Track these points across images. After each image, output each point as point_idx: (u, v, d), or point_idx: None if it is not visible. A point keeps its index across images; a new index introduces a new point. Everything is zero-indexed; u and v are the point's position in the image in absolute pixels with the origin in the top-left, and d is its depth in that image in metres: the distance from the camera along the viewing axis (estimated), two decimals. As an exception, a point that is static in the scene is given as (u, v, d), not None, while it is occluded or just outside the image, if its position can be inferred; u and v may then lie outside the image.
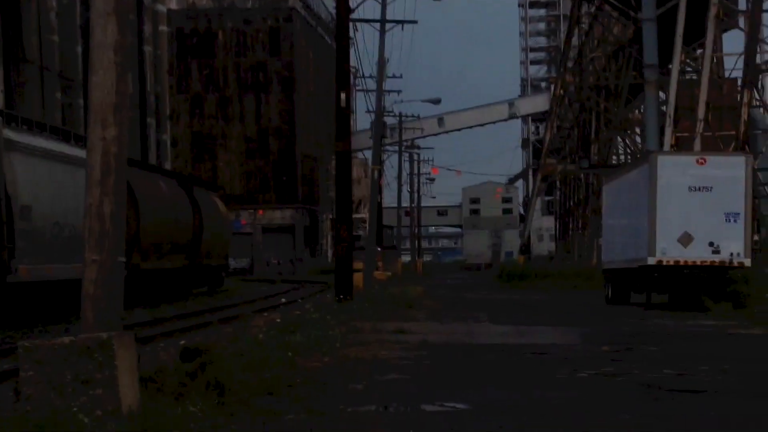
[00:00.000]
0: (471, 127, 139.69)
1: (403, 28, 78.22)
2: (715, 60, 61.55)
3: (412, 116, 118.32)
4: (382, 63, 79.99)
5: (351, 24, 55.60)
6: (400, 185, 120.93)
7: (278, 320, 32.71)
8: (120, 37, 16.74)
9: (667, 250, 43.42)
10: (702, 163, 44.90)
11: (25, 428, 12.87)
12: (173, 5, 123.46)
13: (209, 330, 34.61)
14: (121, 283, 16.63)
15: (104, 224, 16.28)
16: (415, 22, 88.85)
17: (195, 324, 39.19)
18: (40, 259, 33.91)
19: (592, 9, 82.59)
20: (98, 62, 16.57)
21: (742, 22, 61.65)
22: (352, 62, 67.95)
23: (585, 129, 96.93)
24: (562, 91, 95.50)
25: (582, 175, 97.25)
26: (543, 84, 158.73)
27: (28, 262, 37.00)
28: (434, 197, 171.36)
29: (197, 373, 17.54)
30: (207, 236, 66.61)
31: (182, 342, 24.50)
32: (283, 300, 51.50)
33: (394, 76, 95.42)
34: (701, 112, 58.26)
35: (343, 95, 44.62)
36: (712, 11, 56.95)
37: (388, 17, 75.84)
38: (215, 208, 72.92)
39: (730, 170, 44.45)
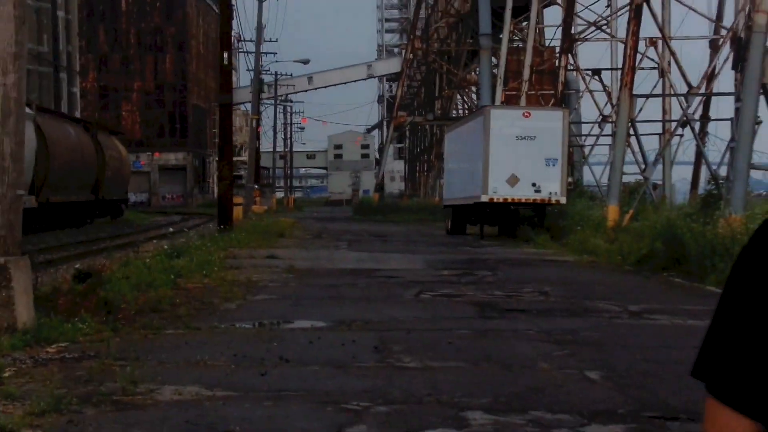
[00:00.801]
0: (335, 84, 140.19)
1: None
2: (537, 31, 61.67)
3: (286, 75, 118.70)
4: (260, 28, 79.31)
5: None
6: (275, 132, 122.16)
7: (165, 246, 32.07)
8: (15, 75, 15.97)
9: (498, 189, 43.39)
10: (527, 116, 44.97)
11: None
12: None
13: (105, 254, 33.74)
14: (19, 214, 16.16)
15: (4, 161, 15.72)
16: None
17: (94, 249, 38.26)
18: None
19: None
20: None
21: (560, -1, 61.88)
22: (235, 28, 68.04)
23: (430, 87, 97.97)
24: (411, 56, 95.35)
25: (427, 126, 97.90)
26: (396, 49, 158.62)
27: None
28: (304, 143, 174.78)
29: (88, 293, 16.88)
30: (108, 174, 65.57)
31: (77, 265, 23.81)
32: (172, 229, 51.11)
33: (270, 40, 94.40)
34: (526, 74, 58.63)
35: (225, 54, 44.64)
36: None
37: (265, -10, 74.92)
38: (117, 150, 71.93)
39: (550, 122, 44.58)
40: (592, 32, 59.63)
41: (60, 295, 16.95)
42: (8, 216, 15.69)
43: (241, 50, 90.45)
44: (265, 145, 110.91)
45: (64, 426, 9.57)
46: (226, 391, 11.31)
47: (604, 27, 59.68)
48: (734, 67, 41.27)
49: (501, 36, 62.76)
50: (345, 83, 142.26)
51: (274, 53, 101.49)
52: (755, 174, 30.59)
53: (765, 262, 2.21)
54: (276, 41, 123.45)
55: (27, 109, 47.59)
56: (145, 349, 14.02)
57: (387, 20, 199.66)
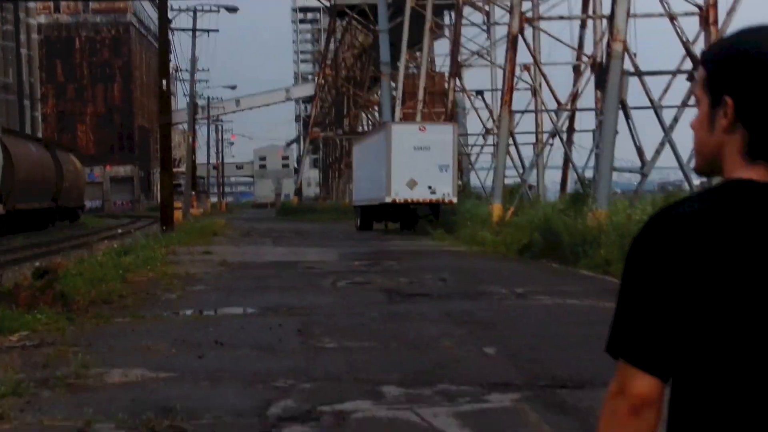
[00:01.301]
0: (259, 106, 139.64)
1: (209, 35, 77.01)
2: (429, 59, 61.76)
3: (217, 98, 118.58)
4: (193, 60, 78.49)
5: (170, 32, 54.06)
6: (209, 147, 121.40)
7: (115, 245, 31.47)
8: None
9: (399, 192, 43.31)
10: (423, 130, 45.01)
11: None
12: (42, 20, 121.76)
13: (63, 253, 32.96)
14: None
15: None
16: (216, 30, 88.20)
17: (53, 249, 37.55)
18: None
19: (344, 23, 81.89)
20: None
21: (447, 32, 62.33)
22: (173, 60, 67.46)
23: (340, 107, 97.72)
24: (323, 81, 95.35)
25: (338, 140, 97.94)
26: (310, 76, 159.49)
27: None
28: (234, 156, 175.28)
29: (46, 287, 16.30)
30: (66, 184, 65.28)
31: (36, 263, 23.16)
32: (120, 231, 50.78)
33: (203, 70, 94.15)
34: (420, 95, 58.97)
35: (164, 82, 44.74)
36: (427, 25, 57.32)
37: (198, 27, 73.84)
38: (73, 164, 71.75)
39: (442, 135, 44.62)
40: (475, 59, 59.75)
41: (21, 290, 16.47)
42: None
43: (178, 79, 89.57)
44: (200, 158, 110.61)
45: (22, 406, 9.06)
46: (168, 372, 10.87)
47: (485, 55, 59.96)
48: (597, 87, 41.56)
49: (398, 63, 62.88)
50: (267, 105, 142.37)
51: (207, 80, 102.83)
52: (614, 176, 30.93)
53: (653, 251, 2.29)
54: (208, 70, 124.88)
55: None
56: (96, 336, 13.56)
57: (302, 52, 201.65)
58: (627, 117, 32.77)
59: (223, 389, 9.98)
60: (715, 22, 33.19)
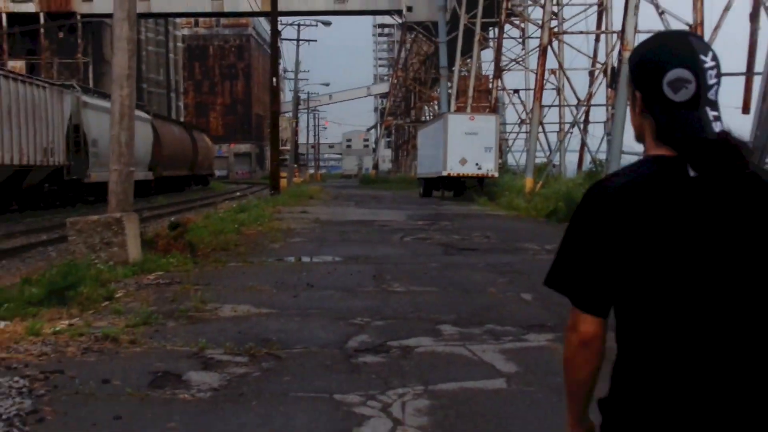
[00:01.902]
0: (346, 100, 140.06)
1: (309, 44, 77.07)
2: (477, 64, 60.68)
3: (314, 93, 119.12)
4: (297, 63, 78.01)
5: (279, 41, 54.31)
6: (307, 131, 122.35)
7: (234, 205, 31.17)
8: (129, 33, 15.30)
9: (453, 167, 42.41)
10: (472, 119, 43.94)
11: (69, 269, 11.33)
12: (185, 32, 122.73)
13: (194, 210, 32.74)
14: (131, 183, 15.67)
15: (121, 147, 15.27)
16: (315, 40, 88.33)
17: (188, 207, 37.50)
18: (102, 170, 31.55)
19: (412, 36, 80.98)
20: (117, 49, 15.68)
21: (491, 43, 61.38)
22: (281, 63, 67.95)
23: (408, 101, 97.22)
24: (396, 81, 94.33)
25: (406, 126, 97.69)
26: (386, 77, 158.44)
27: (95, 171, 35.37)
28: (326, 138, 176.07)
29: (178, 237, 15.92)
30: (200, 157, 65.54)
31: (172, 218, 22.83)
32: (238, 194, 50.98)
33: (304, 71, 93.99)
34: (470, 92, 57.75)
35: (274, 80, 44.92)
36: (476, 38, 56.23)
37: (301, 37, 73.59)
38: (205, 142, 72.03)
39: (487, 123, 43.57)
40: (513, 65, 58.58)
41: (159, 239, 16.14)
42: (123, 185, 15.23)
43: (285, 77, 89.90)
44: (301, 138, 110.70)
45: (151, 334, 8.65)
46: (268, 309, 10.37)
47: (521, 62, 58.83)
48: (609, 86, 40.98)
49: (453, 68, 62.07)
50: (353, 99, 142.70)
51: (307, 79, 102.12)
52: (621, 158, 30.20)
53: (591, 215, 2.29)
54: (308, 71, 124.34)
55: (146, 115, 48.36)
56: (214, 277, 13.13)
57: (380, 58, 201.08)
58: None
59: (312, 324, 9.42)
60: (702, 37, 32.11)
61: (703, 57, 2.23)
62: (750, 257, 2.18)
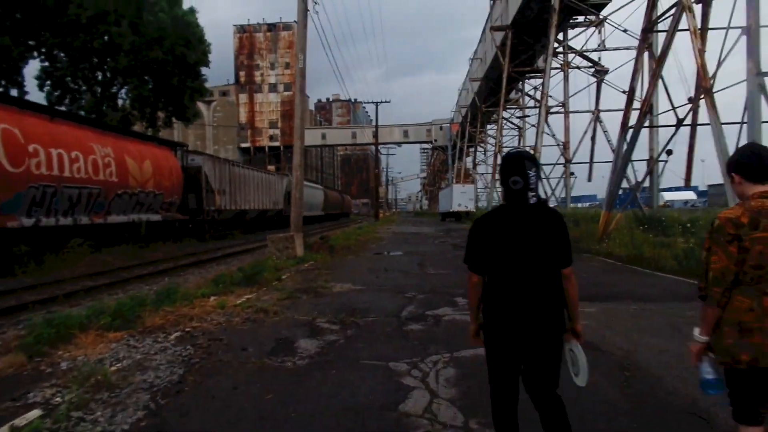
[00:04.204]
0: (408, 179, 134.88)
1: (390, 156, 72.37)
2: (464, 165, 56.27)
3: (395, 176, 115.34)
4: (387, 165, 75.22)
5: (380, 155, 51.84)
6: (393, 192, 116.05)
7: (356, 227, 28.69)
8: (299, 159, 12.78)
9: (454, 207, 39.11)
10: (463, 186, 40.64)
11: (257, 263, 8.91)
12: (341, 152, 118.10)
13: (327, 230, 30.59)
14: (301, 218, 12.80)
15: (296, 200, 12.55)
16: (394, 154, 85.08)
17: (328, 229, 35.13)
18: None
19: (437, 151, 76.30)
20: (295, 154, 12.87)
21: (470, 155, 56.70)
22: (382, 164, 64.45)
23: (434, 178, 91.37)
24: (429, 171, 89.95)
25: (434, 190, 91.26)
26: (423, 168, 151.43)
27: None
28: (400, 194, 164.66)
29: (324, 243, 13.55)
30: (345, 204, 62.57)
31: (321, 234, 20.58)
32: (360, 221, 48.24)
33: (390, 168, 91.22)
34: (461, 175, 53.40)
35: (377, 172, 41.44)
36: (464, 154, 51.99)
37: (390, 152, 71.10)
38: (349, 198, 69.45)
39: (469, 187, 40.39)
40: (483, 160, 54.41)
41: (314, 244, 13.76)
42: (298, 220, 12.57)
43: (384, 169, 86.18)
44: (390, 195, 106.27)
45: (289, 306, 6.20)
46: (361, 286, 7.76)
47: (484, 162, 54.54)
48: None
49: (455, 165, 57.72)
50: (411, 179, 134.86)
51: (392, 168, 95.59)
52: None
53: (474, 227, 2.22)
54: (392, 168, 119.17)
55: (320, 186, 46.76)
56: (338, 265, 10.63)
57: (422, 162, 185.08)
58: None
59: (383, 296, 6.85)
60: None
61: (528, 171, 2.16)
62: (535, 239, 2.12)
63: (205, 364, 4.01)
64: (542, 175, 30.92)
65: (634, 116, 13.72)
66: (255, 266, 8.61)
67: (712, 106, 10.51)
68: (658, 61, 12.86)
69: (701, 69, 10.93)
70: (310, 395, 3.41)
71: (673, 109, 13.83)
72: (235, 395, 3.39)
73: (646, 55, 14.04)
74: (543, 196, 2.27)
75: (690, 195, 52.72)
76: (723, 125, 10.33)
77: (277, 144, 64.90)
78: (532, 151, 28.73)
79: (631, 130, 13.55)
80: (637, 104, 13.83)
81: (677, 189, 48.77)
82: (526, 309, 2.06)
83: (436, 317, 5.66)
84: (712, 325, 1.93)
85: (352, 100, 61.44)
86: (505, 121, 43.22)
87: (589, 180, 28.70)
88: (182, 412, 3.16)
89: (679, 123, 13.66)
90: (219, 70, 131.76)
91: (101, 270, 10.15)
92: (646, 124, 14.07)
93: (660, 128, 17.76)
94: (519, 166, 2.13)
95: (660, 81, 13.31)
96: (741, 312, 1.86)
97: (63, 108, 22.75)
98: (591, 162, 27.32)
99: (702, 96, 11.11)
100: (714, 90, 10.74)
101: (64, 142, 11.34)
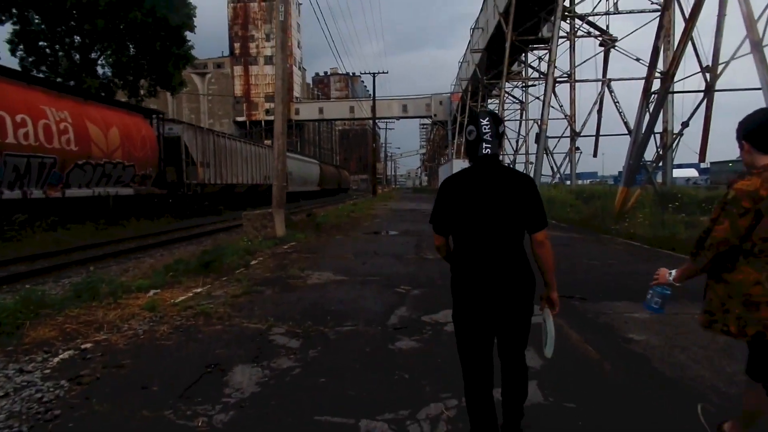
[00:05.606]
0: (407, 155, 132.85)
1: (389, 130, 70.40)
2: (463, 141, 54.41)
3: (394, 151, 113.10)
4: (385, 141, 73.16)
5: (377, 130, 49.86)
6: (392, 169, 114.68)
7: (350, 203, 27.12)
8: (281, 128, 11.11)
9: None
10: (463, 161, 38.79)
11: (234, 246, 7.29)
12: (339, 127, 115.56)
13: (318, 206, 28.97)
14: (284, 193, 11.19)
15: (279, 173, 10.90)
16: (393, 128, 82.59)
17: (321, 205, 33.46)
18: (293, 185, 27.78)
19: (436, 126, 74.11)
20: (276, 120, 11.21)
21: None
22: (380, 139, 62.73)
23: (434, 155, 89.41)
24: (429, 146, 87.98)
25: (433, 166, 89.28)
26: (423, 144, 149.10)
27: (291, 187, 31.40)
28: (399, 170, 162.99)
29: (310, 221, 12.01)
30: (343, 180, 60.33)
31: (309, 211, 19.02)
32: (355, 197, 46.51)
33: (389, 143, 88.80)
34: (462, 150, 51.49)
35: (374, 146, 39.60)
36: (464, 132, 50.01)
37: (388, 127, 68.92)
38: (346, 174, 68.19)
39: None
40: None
41: (299, 222, 12.26)
42: (281, 194, 10.94)
43: (383, 145, 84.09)
44: (388, 171, 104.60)
45: (242, 305, 4.68)
46: (343, 276, 6.17)
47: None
48: (536, 143, 34.37)
49: (454, 141, 55.80)
50: (410, 155, 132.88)
51: (390, 143, 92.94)
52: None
53: (441, 188, 2.16)
54: (390, 143, 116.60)
55: (316, 161, 44.88)
56: (323, 245, 9.11)
57: (421, 137, 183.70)
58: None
59: (367, 292, 5.31)
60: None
61: (481, 120, 2.14)
62: (498, 201, 2.07)
63: (64, 422, 2.45)
64: (505, 134, 29.51)
65: (656, 83, 11.94)
66: (218, 249, 7.00)
67: (761, 63, 8.73)
68: (691, 16, 10.96)
69: (748, 19, 9.09)
70: None
71: (702, 71, 12.02)
72: None
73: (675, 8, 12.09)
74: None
75: (692, 172, 50.84)
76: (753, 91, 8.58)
77: (272, 118, 62.72)
78: (538, 125, 26.05)
79: (654, 96, 11.80)
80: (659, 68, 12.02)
81: (678, 166, 46.91)
82: (487, 272, 2.05)
83: (436, 326, 4.11)
84: (688, 278, 2.02)
85: (350, 74, 58.61)
86: (507, 95, 41.12)
87: (594, 155, 27.10)
88: None
89: (708, 88, 11.89)
90: (215, 41, 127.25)
91: (48, 251, 8.54)
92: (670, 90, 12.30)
93: (676, 96, 15.89)
94: (473, 117, 2.14)
95: (689, 41, 11.44)
96: (747, 285, 1.83)
97: (40, 75, 20.72)
98: (597, 135, 25.54)
99: (735, 56, 9.30)
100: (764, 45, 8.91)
101: (5, 103, 9.55)
